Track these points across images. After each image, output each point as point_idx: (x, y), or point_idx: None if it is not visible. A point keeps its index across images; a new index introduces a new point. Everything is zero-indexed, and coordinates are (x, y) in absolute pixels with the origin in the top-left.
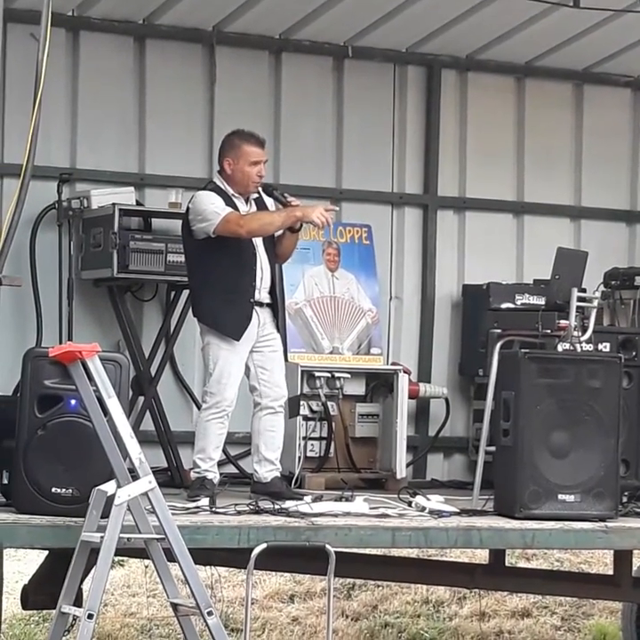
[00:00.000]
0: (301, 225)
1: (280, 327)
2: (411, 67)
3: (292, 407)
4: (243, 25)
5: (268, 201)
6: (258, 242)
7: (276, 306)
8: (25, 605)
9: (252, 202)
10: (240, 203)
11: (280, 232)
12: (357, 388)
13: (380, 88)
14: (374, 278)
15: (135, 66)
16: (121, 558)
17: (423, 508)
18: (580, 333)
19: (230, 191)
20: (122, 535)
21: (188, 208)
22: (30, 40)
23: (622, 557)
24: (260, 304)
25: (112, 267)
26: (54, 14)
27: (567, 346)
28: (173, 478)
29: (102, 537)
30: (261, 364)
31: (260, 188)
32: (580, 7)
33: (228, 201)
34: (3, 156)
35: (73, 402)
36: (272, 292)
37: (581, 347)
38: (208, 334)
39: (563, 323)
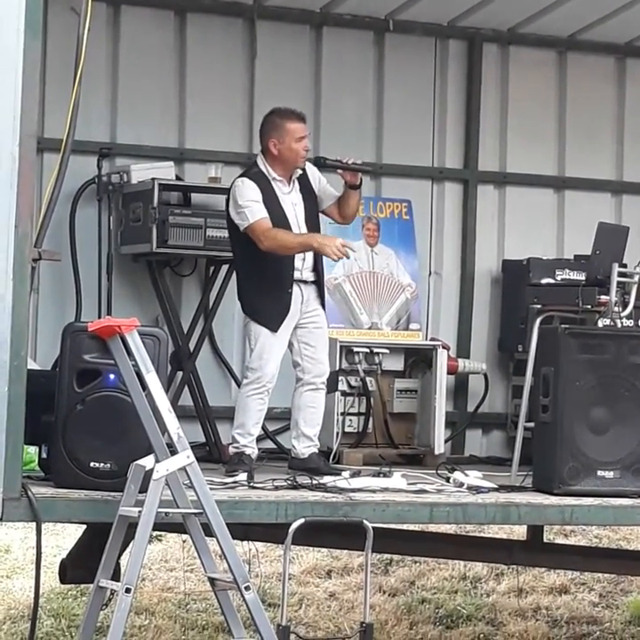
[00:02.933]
0: (362, 181)
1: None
2: (452, 40)
3: (331, 382)
4: None
5: (314, 179)
6: (300, 223)
7: (321, 282)
8: (63, 579)
9: (296, 181)
10: (282, 186)
11: (336, 193)
12: (396, 364)
13: (420, 62)
14: (414, 253)
15: (176, 40)
16: (158, 533)
17: (461, 484)
18: (620, 309)
19: (273, 175)
20: (160, 510)
21: (228, 195)
22: (71, 14)
23: None
24: (305, 282)
25: (151, 241)
26: None
27: (607, 321)
28: (211, 453)
29: (140, 511)
30: (305, 340)
31: (311, 163)
32: None
33: (268, 188)
34: (43, 130)
35: (112, 376)
36: (316, 269)
37: (622, 322)
38: (251, 321)
39: (603, 298)
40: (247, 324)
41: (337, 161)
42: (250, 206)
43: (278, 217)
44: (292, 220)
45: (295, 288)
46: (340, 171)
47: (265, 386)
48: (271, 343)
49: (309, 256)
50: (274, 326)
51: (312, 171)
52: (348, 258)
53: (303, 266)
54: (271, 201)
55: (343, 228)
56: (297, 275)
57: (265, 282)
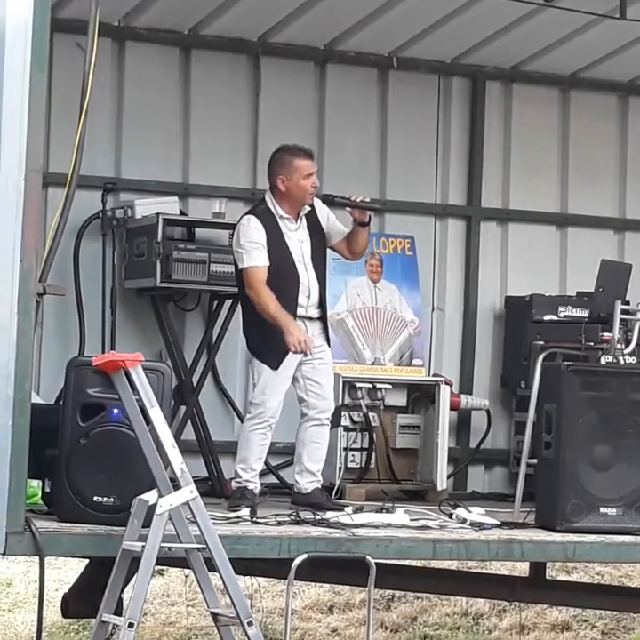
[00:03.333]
0: (370, 218)
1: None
2: (455, 78)
3: (334, 418)
4: (288, 35)
5: (322, 216)
6: (306, 261)
7: (325, 319)
8: (65, 613)
9: (303, 218)
10: (289, 223)
11: (345, 230)
12: (399, 399)
13: (424, 99)
14: (417, 289)
15: (180, 76)
16: (161, 568)
17: (464, 520)
18: (623, 346)
19: (280, 212)
20: (163, 544)
21: (234, 230)
22: (76, 49)
23: None
24: (310, 318)
25: (155, 276)
26: (100, 24)
27: (610, 359)
28: (214, 488)
29: (143, 546)
30: (310, 376)
31: (319, 200)
32: (626, 19)
33: (274, 226)
34: (48, 164)
35: (115, 411)
36: (321, 306)
37: (624, 359)
38: (254, 359)
39: (606, 335)
40: (251, 359)
41: (345, 198)
42: (248, 250)
43: (282, 255)
44: (297, 257)
45: (300, 324)
46: (348, 208)
47: (267, 421)
48: (274, 379)
49: (315, 293)
50: (274, 364)
51: (320, 207)
52: (305, 355)
53: (308, 303)
54: (276, 239)
55: (347, 264)
56: (301, 311)
57: (266, 320)
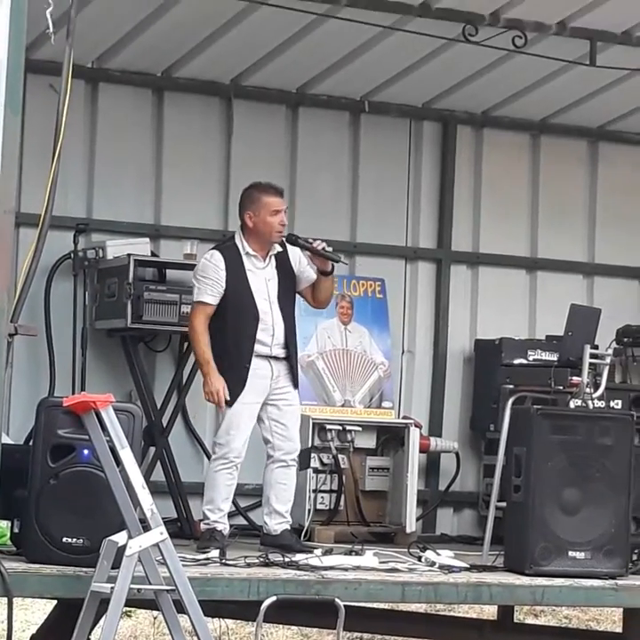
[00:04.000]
0: (333, 268)
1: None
2: (426, 122)
3: (303, 459)
4: (260, 79)
5: (294, 258)
6: (271, 299)
7: (293, 360)
8: None
9: (273, 258)
10: (257, 261)
11: (315, 276)
12: (368, 441)
13: (395, 143)
14: (387, 332)
15: (153, 118)
16: (128, 609)
17: (433, 563)
18: (592, 390)
19: (247, 249)
20: (132, 586)
21: None
22: (49, 91)
23: (632, 615)
24: (276, 358)
25: (126, 317)
26: (74, 66)
27: (579, 402)
28: (183, 529)
29: (113, 587)
30: (276, 417)
31: (284, 239)
32: (596, 65)
33: (237, 262)
34: (20, 205)
35: (86, 452)
36: (287, 346)
37: (593, 403)
38: None
39: (575, 379)
40: None
41: (308, 242)
42: (201, 285)
43: (243, 292)
44: (262, 295)
45: (264, 363)
46: (309, 254)
47: (232, 461)
48: (239, 416)
49: (280, 332)
50: (231, 398)
51: (293, 250)
52: (219, 406)
53: (273, 342)
54: (238, 275)
55: None
56: (265, 350)
57: (225, 355)
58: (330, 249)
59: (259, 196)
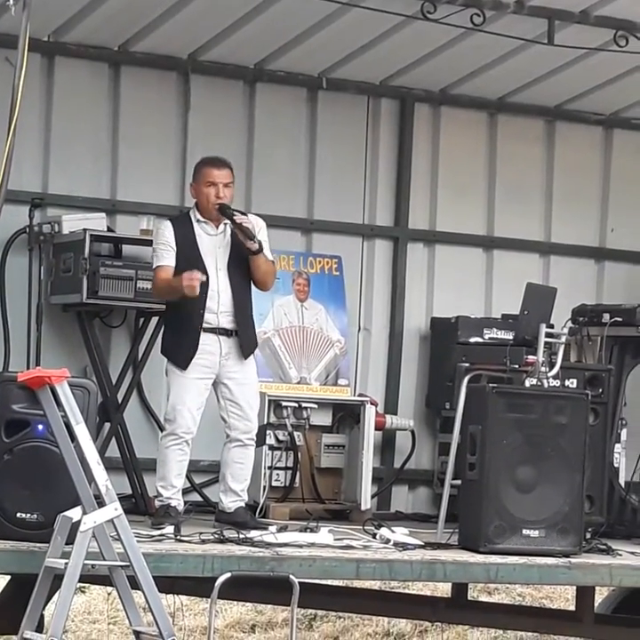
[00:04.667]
0: (261, 247)
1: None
2: (384, 99)
3: (259, 436)
4: (218, 54)
5: (258, 230)
6: (218, 266)
7: (245, 336)
8: None
9: (227, 227)
10: (208, 227)
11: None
12: (324, 419)
13: (353, 120)
14: (343, 309)
15: (109, 92)
16: (82, 585)
17: (388, 541)
18: (547, 369)
19: (197, 216)
20: (86, 562)
21: None
22: (5, 64)
23: (585, 593)
24: (225, 332)
25: (81, 292)
26: (30, 39)
27: (534, 381)
28: (138, 505)
29: (67, 563)
30: (229, 396)
31: (216, 210)
32: (553, 44)
33: (187, 228)
34: None
35: (40, 427)
36: (236, 318)
37: (548, 382)
38: (167, 362)
39: (530, 358)
40: (166, 373)
41: (234, 214)
42: (156, 252)
43: (191, 255)
44: (209, 259)
45: (212, 337)
46: (232, 226)
47: (181, 436)
48: (185, 391)
49: (226, 300)
50: (183, 364)
51: (260, 225)
52: (202, 282)
53: (219, 309)
54: (186, 239)
55: (274, 283)
56: (213, 319)
57: (175, 319)
58: (251, 227)
59: (200, 167)
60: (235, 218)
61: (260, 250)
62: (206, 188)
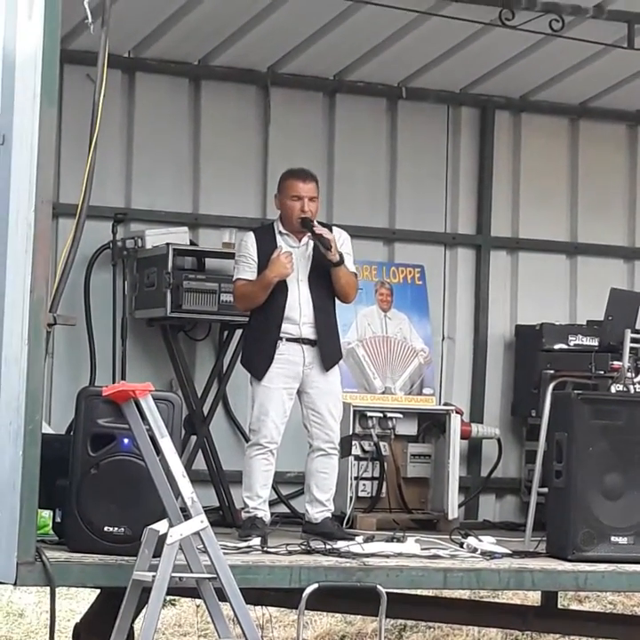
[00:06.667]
0: (342, 259)
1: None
2: (464, 108)
3: (344, 447)
4: (297, 66)
5: (340, 243)
6: (301, 278)
7: (329, 346)
8: None
9: (309, 240)
10: (291, 240)
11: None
12: (409, 428)
13: (433, 129)
14: (427, 318)
15: (190, 106)
16: (172, 597)
17: (475, 550)
18: (633, 375)
19: (280, 228)
20: (174, 574)
21: None
22: (86, 81)
23: None
24: (308, 342)
25: (165, 306)
26: (110, 56)
27: (620, 387)
28: (225, 517)
29: (154, 576)
30: (311, 405)
31: (299, 223)
32: (634, 48)
33: (270, 239)
34: (58, 195)
35: (126, 441)
36: (319, 329)
37: (635, 388)
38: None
39: (616, 364)
40: (250, 379)
41: (315, 226)
42: (238, 265)
43: None
44: (292, 273)
45: (296, 346)
46: (312, 239)
47: (266, 447)
48: (268, 401)
49: (308, 310)
50: (258, 374)
51: (343, 238)
52: (288, 261)
53: (300, 320)
54: (269, 252)
55: (358, 294)
56: (294, 330)
57: (256, 329)
58: (329, 238)
59: (285, 179)
60: (314, 228)
61: (341, 262)
62: (291, 201)
